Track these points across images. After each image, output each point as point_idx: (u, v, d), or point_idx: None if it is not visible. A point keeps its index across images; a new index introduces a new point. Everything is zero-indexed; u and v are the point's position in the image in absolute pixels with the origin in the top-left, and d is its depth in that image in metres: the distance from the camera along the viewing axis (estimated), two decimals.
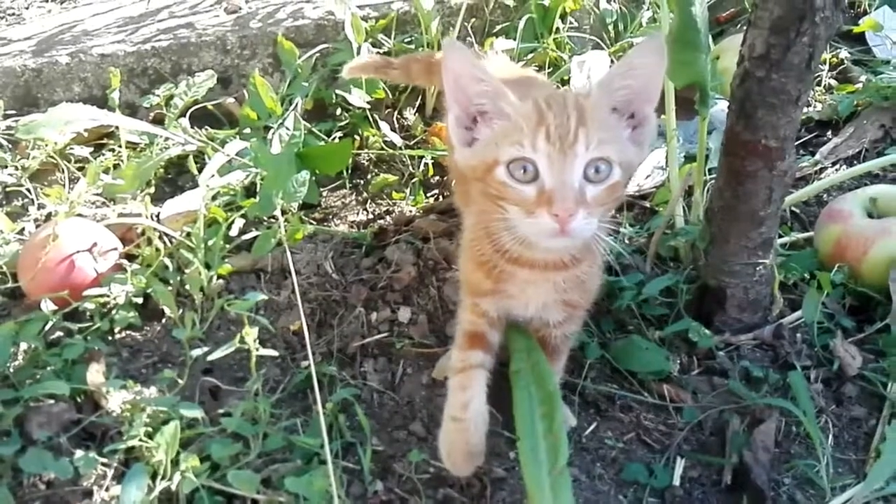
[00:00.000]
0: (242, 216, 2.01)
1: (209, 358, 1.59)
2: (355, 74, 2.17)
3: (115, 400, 1.60)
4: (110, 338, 1.78)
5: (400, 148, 2.35)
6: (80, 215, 2.01)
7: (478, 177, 1.23)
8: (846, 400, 1.63)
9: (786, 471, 1.52)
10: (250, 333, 1.50)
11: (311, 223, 2.08)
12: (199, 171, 2.09)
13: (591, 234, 1.17)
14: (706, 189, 1.92)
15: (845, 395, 1.64)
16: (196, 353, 1.66)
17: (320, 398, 1.50)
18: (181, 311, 1.80)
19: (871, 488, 1.45)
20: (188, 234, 1.89)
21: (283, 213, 1.89)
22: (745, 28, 1.57)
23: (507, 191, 1.16)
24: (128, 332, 1.80)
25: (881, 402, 1.63)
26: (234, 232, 1.99)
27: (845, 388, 1.65)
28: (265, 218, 2.02)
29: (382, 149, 2.36)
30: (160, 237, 1.92)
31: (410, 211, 2.17)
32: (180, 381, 1.64)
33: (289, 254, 1.71)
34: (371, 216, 2.17)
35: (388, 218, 2.15)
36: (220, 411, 1.59)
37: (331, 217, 2.17)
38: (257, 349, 1.52)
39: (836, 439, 1.58)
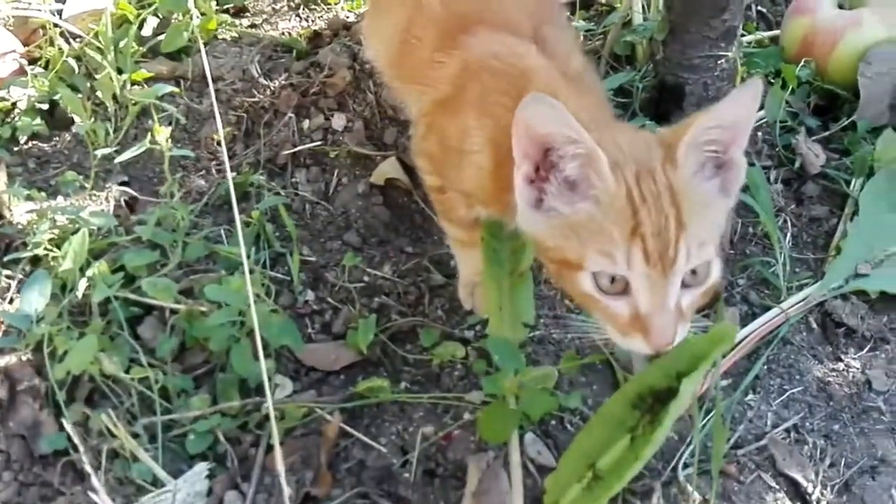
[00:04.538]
0: (155, 14, 1.81)
1: (118, 159, 1.45)
2: None
3: (20, 210, 1.47)
4: (15, 148, 1.63)
5: None
6: None
7: (548, 258, 1.04)
8: (807, 200, 1.55)
9: (740, 270, 1.45)
10: (161, 130, 1.36)
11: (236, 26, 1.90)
12: None
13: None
14: None
15: (806, 195, 1.56)
16: (104, 151, 1.52)
17: (248, 209, 1.38)
18: (93, 119, 1.63)
19: (828, 287, 1.39)
20: (96, 34, 1.70)
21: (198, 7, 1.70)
22: None
23: (594, 302, 0.99)
24: (34, 141, 1.65)
25: (843, 200, 1.55)
26: (147, 32, 1.80)
27: (806, 188, 1.56)
28: (182, 16, 1.82)
29: None
30: (63, 35, 1.73)
31: (347, 16, 1.98)
32: (86, 186, 1.49)
33: (203, 51, 1.52)
34: (305, 22, 1.99)
35: (321, 23, 1.96)
36: (135, 218, 1.47)
37: (260, 24, 1.98)
38: (170, 149, 1.38)
39: (795, 239, 1.51)
